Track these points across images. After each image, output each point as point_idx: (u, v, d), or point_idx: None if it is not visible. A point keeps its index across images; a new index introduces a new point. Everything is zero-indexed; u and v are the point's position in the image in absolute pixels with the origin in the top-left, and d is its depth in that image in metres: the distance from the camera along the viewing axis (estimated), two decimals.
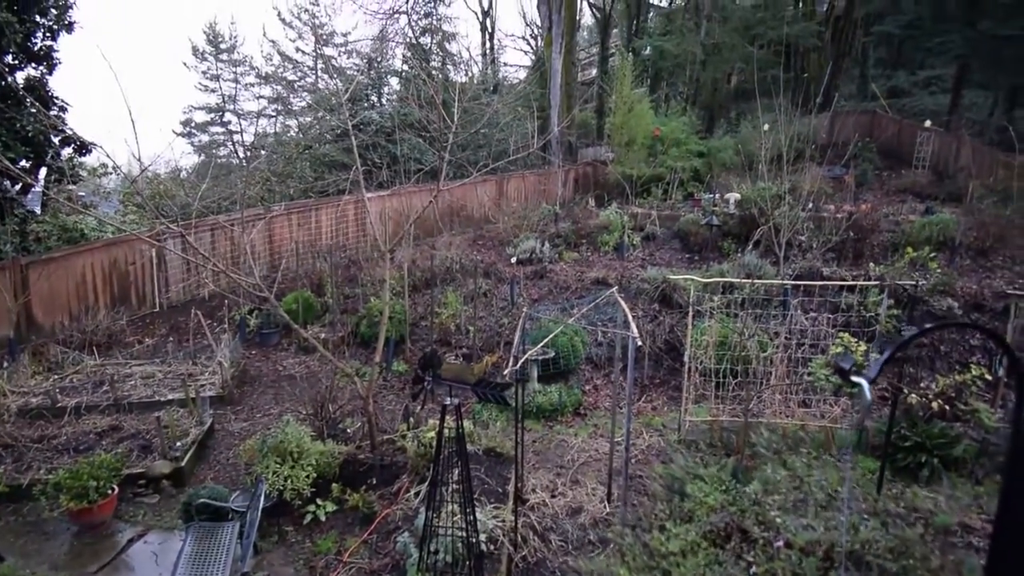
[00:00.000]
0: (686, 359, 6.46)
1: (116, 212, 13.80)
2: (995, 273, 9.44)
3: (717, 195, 13.08)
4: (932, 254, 8.95)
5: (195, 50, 29.67)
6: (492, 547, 4.46)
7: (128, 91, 5.02)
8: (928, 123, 16.20)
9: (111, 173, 12.68)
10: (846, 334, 5.90)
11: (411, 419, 6.33)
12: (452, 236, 13.42)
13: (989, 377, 6.12)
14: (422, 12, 20.88)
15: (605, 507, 5.28)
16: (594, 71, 25.61)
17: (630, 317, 4.16)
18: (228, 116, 29.45)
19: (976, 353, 7.62)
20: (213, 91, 29.80)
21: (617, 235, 12.11)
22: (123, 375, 8.02)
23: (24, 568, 4.47)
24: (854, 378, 1.37)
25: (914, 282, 7.73)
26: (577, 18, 23.69)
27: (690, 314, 6.51)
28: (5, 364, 7.73)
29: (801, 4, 22.99)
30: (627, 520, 4.90)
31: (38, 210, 10.87)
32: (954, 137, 15.46)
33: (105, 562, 4.74)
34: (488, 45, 27.22)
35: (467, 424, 6.25)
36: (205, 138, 31.05)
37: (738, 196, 12.15)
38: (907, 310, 7.91)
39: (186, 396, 7.03)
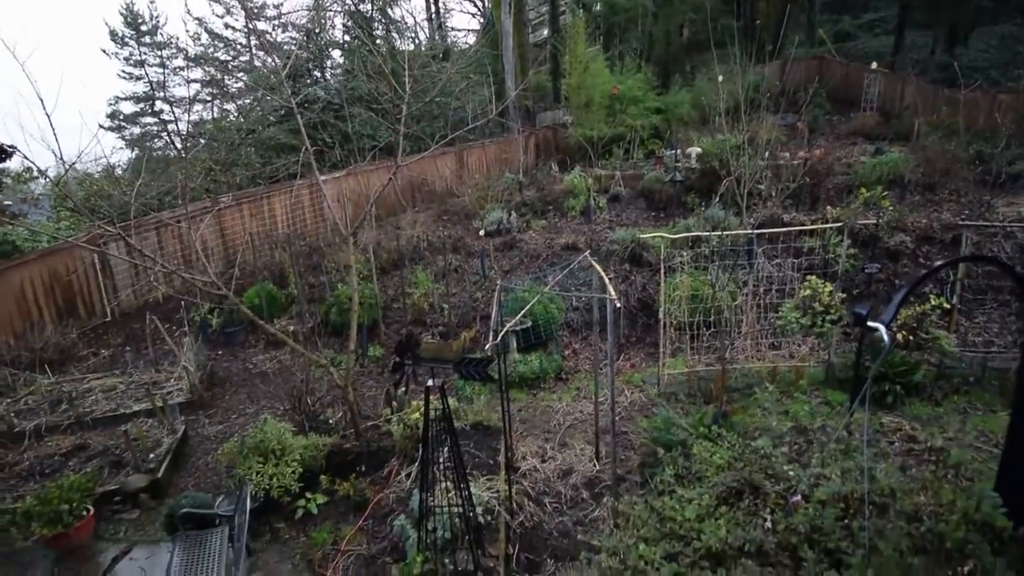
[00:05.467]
0: (660, 315, 6.54)
1: (48, 219, 12.84)
2: (942, 207, 9.86)
3: (678, 151, 13.12)
4: (884, 193, 9.26)
5: (113, 34, 27.49)
6: (489, 517, 4.49)
7: (41, 84, 4.56)
8: (874, 65, 16.56)
9: (37, 177, 11.73)
10: (813, 277, 6.05)
11: (394, 403, 6.24)
12: (416, 213, 13.11)
13: (947, 306, 6.42)
14: None
15: (595, 465, 5.37)
16: (546, 31, 24.95)
17: (607, 280, 4.13)
18: (159, 105, 27.56)
19: (930, 284, 8.00)
20: (139, 78, 27.85)
21: (583, 199, 12.05)
22: (82, 391, 7.59)
23: None
24: (872, 323, 1.35)
25: (875, 221, 7.98)
26: None
27: (661, 271, 6.57)
28: None
29: None
30: (618, 475, 5.00)
31: None
32: (899, 77, 15.88)
33: None
34: (433, 9, 26.15)
35: (452, 402, 6.20)
36: (136, 130, 29.06)
37: (699, 150, 12.21)
38: (867, 248, 8.19)
39: (153, 405, 6.72)
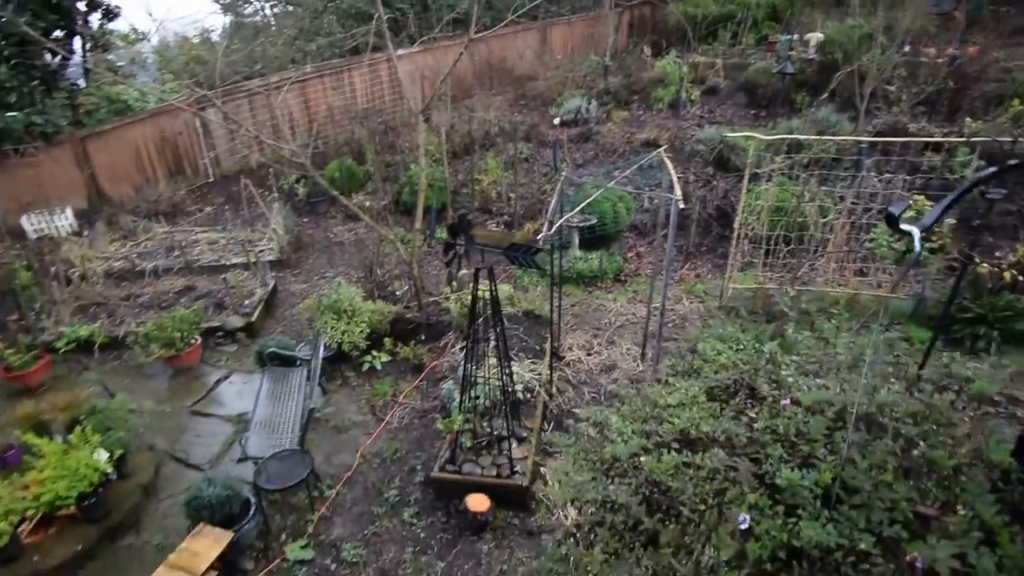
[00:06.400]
0: (736, 225, 6.21)
1: (155, 80, 13.68)
2: None
3: (795, 36, 11.42)
4: None
5: None
6: (529, 395, 4.87)
7: None
8: None
9: (142, 39, 12.36)
10: (921, 197, 5.39)
11: (454, 283, 6.59)
12: (491, 96, 12.67)
13: None
14: None
15: (638, 366, 5.54)
16: None
17: (675, 179, 3.94)
18: None
19: None
20: None
21: (673, 89, 11.04)
22: (190, 241, 8.60)
23: (132, 403, 5.30)
24: (904, 226, 1.21)
25: (1012, 138, 6.80)
26: None
27: (745, 177, 6.11)
28: (86, 233, 8.42)
29: None
30: (658, 378, 5.17)
31: (82, 82, 10.90)
32: None
33: (199, 398, 5.53)
34: None
35: (507, 288, 6.47)
36: None
37: (820, 36, 10.57)
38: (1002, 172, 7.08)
39: (248, 260, 7.53)
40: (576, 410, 4.76)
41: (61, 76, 9.94)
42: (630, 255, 8.03)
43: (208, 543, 3.47)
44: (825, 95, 9.11)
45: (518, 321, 5.98)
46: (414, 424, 5.18)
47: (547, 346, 5.53)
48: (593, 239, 7.77)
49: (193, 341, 5.84)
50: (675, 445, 1.56)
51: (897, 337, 5.66)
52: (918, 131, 8.22)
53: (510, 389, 4.29)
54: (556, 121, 10.92)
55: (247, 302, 6.88)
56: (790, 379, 1.66)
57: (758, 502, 1.29)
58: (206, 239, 8.70)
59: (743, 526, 1.29)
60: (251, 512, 3.92)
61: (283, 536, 4.07)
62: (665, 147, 9.32)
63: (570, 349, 5.85)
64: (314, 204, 10.28)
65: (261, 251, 8.35)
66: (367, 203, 9.72)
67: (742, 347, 2.00)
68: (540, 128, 10.94)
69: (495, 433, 4.38)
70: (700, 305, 6.70)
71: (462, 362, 4.24)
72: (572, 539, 1.55)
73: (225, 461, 4.77)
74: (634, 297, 7.02)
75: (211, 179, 11.06)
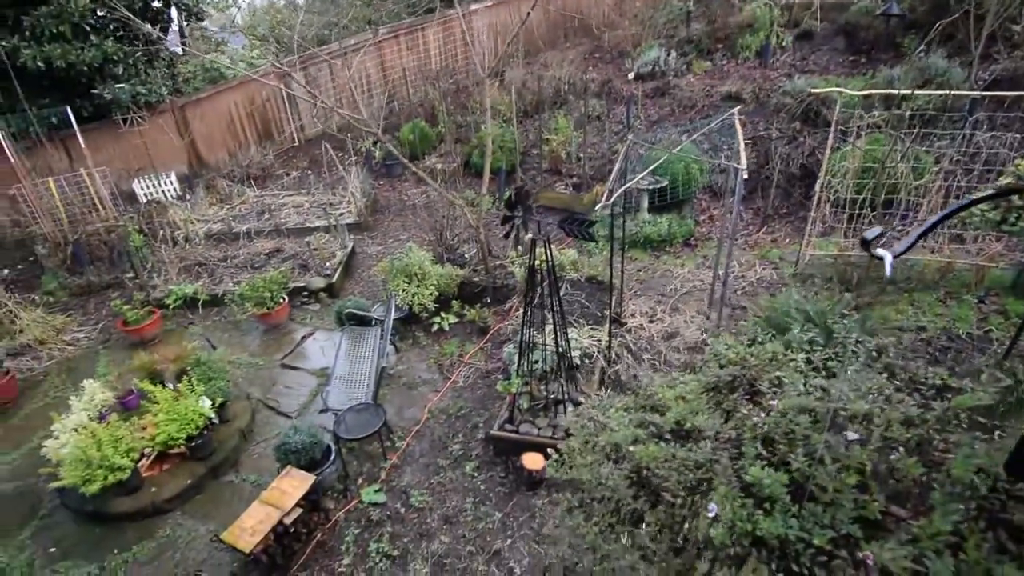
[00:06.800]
0: (817, 187, 5.75)
1: (244, 47, 14.43)
2: None
3: None
4: None
5: None
6: (587, 360, 4.93)
7: None
8: None
9: (232, 6, 12.98)
10: (1022, 162, 4.70)
11: (519, 247, 6.67)
12: (565, 50, 12.21)
13: None
14: None
15: (701, 334, 5.41)
16: None
17: (742, 146, 3.70)
18: None
19: None
20: None
21: (763, 35, 10.10)
22: (278, 204, 9.26)
23: (231, 355, 5.95)
24: (878, 252, 1.16)
25: None
26: None
27: (831, 134, 5.60)
28: (187, 197, 9.29)
29: None
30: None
31: (179, 50, 11.73)
32: None
33: (287, 352, 6.11)
34: None
35: (572, 253, 6.46)
36: None
37: None
38: None
39: (329, 223, 8.02)
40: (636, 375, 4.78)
41: (161, 47, 10.76)
42: (702, 218, 7.69)
43: (295, 483, 3.93)
44: (934, 37, 7.95)
45: (581, 287, 5.99)
46: (478, 384, 5.44)
47: (611, 312, 5.52)
48: (664, 203, 7.49)
49: (281, 300, 6.39)
50: (668, 436, 1.63)
51: (993, 310, 5.12)
52: None
53: (567, 355, 4.38)
54: (631, 76, 10.40)
55: (328, 264, 7.38)
56: (786, 380, 1.62)
57: (728, 494, 1.36)
58: (292, 202, 9.31)
59: (711, 514, 1.40)
60: (331, 458, 4.36)
61: (360, 480, 4.51)
62: (748, 102, 8.68)
63: (632, 316, 5.81)
64: (390, 167, 10.62)
65: (341, 214, 8.84)
66: (439, 166, 9.90)
67: (752, 342, 1.95)
68: (614, 83, 10.47)
69: (552, 396, 4.52)
70: (774, 271, 6.35)
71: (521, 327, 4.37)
72: (573, 512, 1.71)
73: (311, 410, 5.29)
74: (703, 263, 6.77)
75: (296, 143, 11.70)
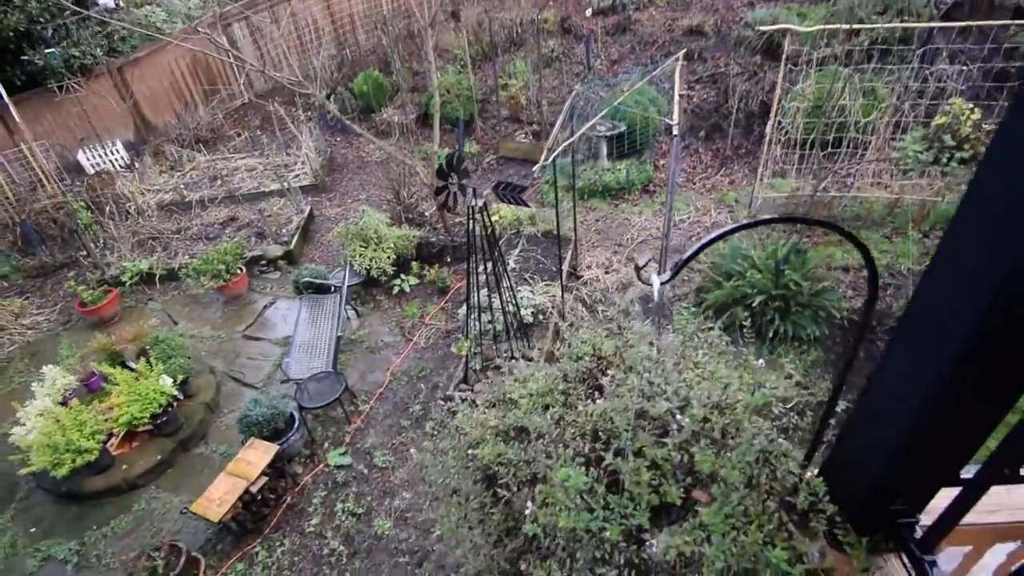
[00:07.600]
0: (768, 128, 5.73)
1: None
2: None
3: None
4: None
5: None
6: (541, 317, 5.04)
7: None
8: None
9: None
10: (958, 100, 4.67)
11: (457, 213, 6.61)
12: None
13: None
14: None
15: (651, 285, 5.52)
16: None
17: (677, 102, 3.64)
18: None
19: None
20: None
21: None
22: (231, 169, 8.97)
23: (193, 329, 5.97)
24: (650, 280, 1.21)
25: None
26: None
27: (781, 69, 5.51)
28: (136, 165, 8.94)
29: None
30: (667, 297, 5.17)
31: (111, 3, 10.89)
32: None
33: (249, 323, 6.13)
34: None
35: (534, 207, 6.43)
36: None
37: None
38: None
39: (281, 187, 7.82)
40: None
41: (92, 2, 9.99)
42: (662, 163, 7.64)
43: (258, 454, 4.08)
44: None
45: (537, 242, 6.02)
46: (439, 344, 5.56)
47: (564, 267, 5.59)
48: (623, 150, 7.41)
49: (238, 271, 6.34)
50: (512, 433, 1.76)
51: (936, 244, 5.29)
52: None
53: (517, 315, 4.48)
54: (588, 12, 9.95)
55: (285, 230, 7.27)
56: (619, 376, 1.73)
57: (542, 491, 1.49)
58: (245, 166, 9.02)
59: (527, 511, 1.55)
60: (296, 426, 4.51)
61: (326, 445, 4.68)
62: (710, 35, 8.40)
63: (588, 267, 5.89)
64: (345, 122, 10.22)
65: (296, 176, 8.61)
66: (396, 118, 9.57)
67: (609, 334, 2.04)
68: (574, 19, 10.03)
69: (505, 355, 4.65)
70: (729, 215, 6.42)
71: (482, 286, 4.43)
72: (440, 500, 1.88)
73: (275, 380, 5.39)
74: (660, 209, 6.79)
75: (246, 101, 11.17)
